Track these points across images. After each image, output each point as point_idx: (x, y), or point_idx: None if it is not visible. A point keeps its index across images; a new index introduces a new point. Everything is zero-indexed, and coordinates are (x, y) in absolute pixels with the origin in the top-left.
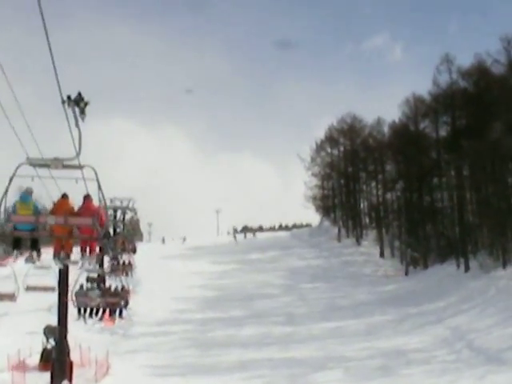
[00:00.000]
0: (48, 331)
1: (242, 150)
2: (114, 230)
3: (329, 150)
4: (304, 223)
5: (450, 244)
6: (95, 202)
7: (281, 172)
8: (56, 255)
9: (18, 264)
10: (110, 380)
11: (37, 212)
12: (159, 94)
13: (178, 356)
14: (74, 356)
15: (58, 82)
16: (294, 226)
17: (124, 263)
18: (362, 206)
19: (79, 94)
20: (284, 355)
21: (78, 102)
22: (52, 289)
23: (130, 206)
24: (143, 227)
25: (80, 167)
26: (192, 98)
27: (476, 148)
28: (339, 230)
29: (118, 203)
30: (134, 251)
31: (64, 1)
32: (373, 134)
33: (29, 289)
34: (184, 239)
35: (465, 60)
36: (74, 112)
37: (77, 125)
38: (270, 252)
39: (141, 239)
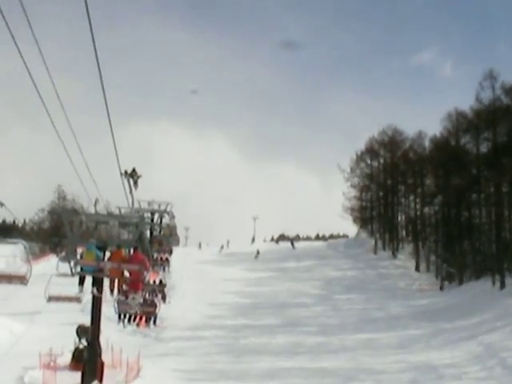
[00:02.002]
0: (81, 331)
1: (286, 158)
2: (151, 233)
3: (369, 161)
4: (341, 234)
5: (486, 260)
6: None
7: (321, 182)
8: (111, 290)
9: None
10: (140, 382)
11: (98, 258)
12: (207, 99)
13: (209, 361)
14: (106, 357)
15: (118, 160)
16: (331, 237)
17: (162, 258)
18: (399, 218)
19: (134, 169)
20: (315, 365)
21: (132, 176)
22: (77, 299)
23: (168, 209)
24: (180, 232)
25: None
26: (239, 105)
27: None
28: (375, 242)
29: (155, 206)
30: (170, 252)
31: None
32: (413, 147)
33: (52, 299)
34: (222, 247)
35: (511, 77)
36: (128, 182)
37: (130, 192)
38: (305, 261)
39: (177, 243)
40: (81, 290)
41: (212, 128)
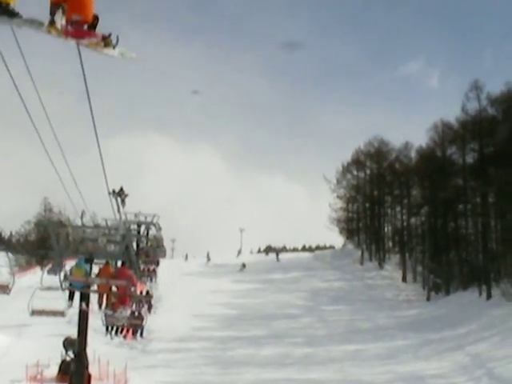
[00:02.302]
0: (67, 343)
1: (273, 170)
2: (138, 245)
3: (355, 172)
4: (327, 245)
5: (472, 271)
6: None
7: (308, 193)
8: (100, 304)
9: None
10: None
11: (87, 274)
12: (194, 110)
13: (197, 373)
14: (93, 369)
15: (106, 180)
16: (318, 248)
17: (149, 269)
18: (385, 229)
19: (121, 188)
20: (302, 376)
21: (120, 195)
22: (61, 313)
23: (155, 221)
24: (166, 243)
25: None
26: (226, 117)
27: (503, 175)
28: (362, 253)
29: (142, 218)
30: (157, 264)
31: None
32: (400, 158)
33: (35, 313)
34: (208, 258)
35: (497, 88)
36: (116, 201)
37: (118, 210)
38: (292, 273)
39: (164, 255)
40: (70, 305)
41: (200, 140)
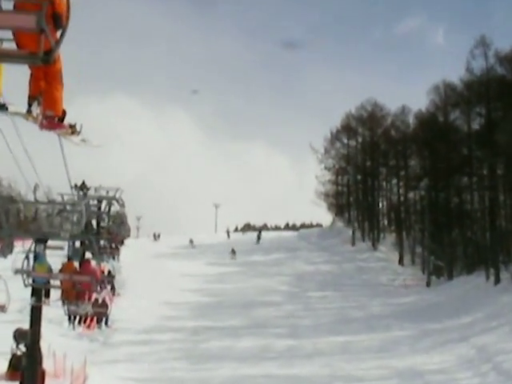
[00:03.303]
0: (18, 335)
1: (254, 139)
2: (98, 223)
3: (345, 140)
4: (314, 223)
5: (478, 252)
6: None
7: (293, 165)
8: (63, 301)
9: None
10: None
11: (50, 270)
12: (168, 75)
13: (165, 368)
14: (47, 364)
15: (67, 173)
16: (303, 226)
17: (111, 247)
18: (380, 205)
19: (83, 182)
20: (285, 372)
21: (82, 189)
22: (1, 307)
23: (117, 196)
24: (131, 221)
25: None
26: (204, 81)
27: None
28: (353, 232)
29: (103, 193)
30: (121, 243)
31: None
32: (396, 124)
33: None
34: (192, 242)
35: (507, 45)
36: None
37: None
38: (274, 254)
39: (128, 234)
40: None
41: (173, 105)
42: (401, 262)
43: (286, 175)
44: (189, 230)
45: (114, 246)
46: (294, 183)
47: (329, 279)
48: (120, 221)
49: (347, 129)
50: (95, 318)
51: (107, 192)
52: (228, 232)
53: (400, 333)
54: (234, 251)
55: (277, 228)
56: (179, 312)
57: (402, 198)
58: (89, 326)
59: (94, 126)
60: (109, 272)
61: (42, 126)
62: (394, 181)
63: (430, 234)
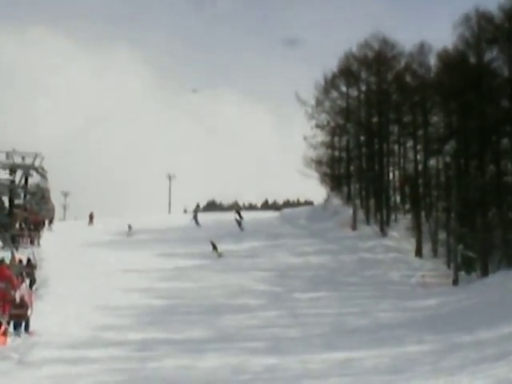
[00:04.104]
0: None
1: (224, 87)
2: (11, 201)
3: (344, 88)
4: (301, 200)
5: None
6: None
7: (277, 122)
8: None
9: None
10: None
11: None
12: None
13: None
14: None
15: None
16: (286, 205)
17: (30, 228)
18: (391, 176)
19: None
20: None
21: None
22: None
23: (37, 164)
24: (55, 198)
25: None
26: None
27: None
28: (355, 213)
29: (17, 160)
30: (43, 224)
31: None
32: (412, 67)
33: None
34: (130, 228)
35: None
36: None
37: None
38: (248, 242)
39: (52, 215)
40: None
41: (114, 40)
42: (418, 252)
43: (263, 135)
44: (134, 209)
45: (32, 228)
46: (274, 146)
47: (322, 276)
48: (41, 195)
49: (347, 73)
50: (9, 325)
51: (23, 158)
52: (196, 213)
53: (418, 347)
54: (214, 246)
55: (252, 207)
56: (121, 320)
57: (420, 167)
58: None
59: (9, 69)
60: (28, 261)
61: None
62: (410, 143)
63: (458, 215)
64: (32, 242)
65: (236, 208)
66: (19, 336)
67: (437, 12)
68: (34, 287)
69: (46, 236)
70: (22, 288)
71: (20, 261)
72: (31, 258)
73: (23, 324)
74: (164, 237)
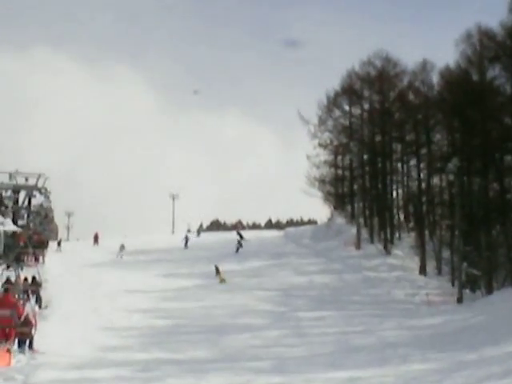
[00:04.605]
0: None
1: (225, 105)
2: (15, 222)
3: (346, 107)
4: (305, 219)
5: None
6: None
7: (280, 142)
8: None
9: None
10: None
11: None
12: (110, 20)
13: None
14: None
15: None
16: (290, 223)
17: (34, 246)
18: (394, 194)
19: None
20: None
21: None
22: None
23: (40, 185)
24: (59, 218)
25: None
26: (157, 27)
27: None
28: (358, 231)
29: (21, 181)
30: (46, 244)
31: None
32: (415, 84)
33: None
34: (122, 246)
35: None
36: None
37: None
38: (251, 261)
39: (55, 235)
40: None
41: (116, 60)
42: (423, 270)
43: (267, 155)
44: (138, 229)
45: (35, 249)
46: (278, 166)
47: (326, 295)
48: (44, 215)
49: (349, 92)
50: (14, 343)
51: (26, 179)
52: (199, 232)
53: (422, 366)
54: (217, 270)
55: (255, 226)
56: (124, 340)
57: (423, 185)
58: (2, 359)
59: (11, 90)
60: (33, 279)
61: None
62: (413, 161)
63: (462, 233)
64: (37, 260)
65: (237, 229)
66: (24, 353)
67: (439, 27)
68: (41, 305)
69: (51, 256)
70: (26, 306)
71: (25, 279)
72: (36, 276)
73: (27, 342)
74: (167, 257)
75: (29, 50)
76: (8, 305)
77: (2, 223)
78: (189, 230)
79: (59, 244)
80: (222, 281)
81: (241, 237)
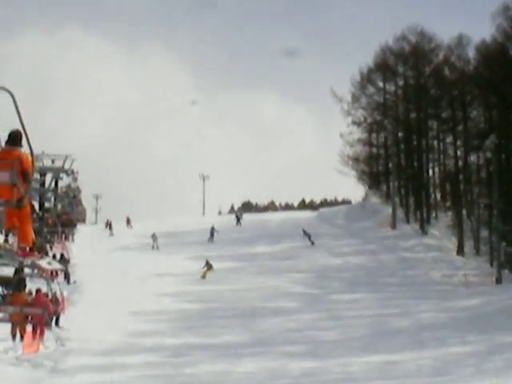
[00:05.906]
0: None
1: (260, 85)
2: (42, 205)
3: (380, 84)
4: (339, 199)
5: None
6: None
7: (314, 120)
8: (13, 335)
9: None
10: None
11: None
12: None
13: None
14: None
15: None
16: (324, 204)
17: (63, 224)
18: (430, 173)
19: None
20: None
21: None
22: None
23: (67, 166)
24: (87, 201)
25: None
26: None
27: None
28: (394, 211)
29: (47, 162)
30: (74, 226)
31: None
32: (451, 60)
33: None
34: (154, 237)
35: None
36: None
37: None
38: (284, 243)
39: (83, 217)
40: None
41: (152, 41)
42: (460, 251)
43: (300, 134)
44: (168, 212)
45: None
46: (311, 145)
47: (361, 276)
48: (72, 196)
49: (383, 68)
50: (40, 329)
51: (53, 161)
52: (237, 216)
53: (461, 349)
54: (207, 263)
55: (288, 207)
56: (154, 325)
57: (460, 163)
58: (31, 345)
59: (41, 70)
60: (61, 256)
61: (17, 254)
62: (449, 139)
63: (501, 212)
64: (66, 238)
65: (236, 213)
66: (50, 330)
67: (475, 2)
68: (69, 280)
69: (80, 241)
70: (54, 284)
71: (54, 256)
72: (64, 253)
73: (53, 319)
74: (198, 239)
75: (62, 29)
76: (39, 303)
77: None
78: (213, 228)
79: (110, 227)
80: (204, 276)
81: (238, 218)
